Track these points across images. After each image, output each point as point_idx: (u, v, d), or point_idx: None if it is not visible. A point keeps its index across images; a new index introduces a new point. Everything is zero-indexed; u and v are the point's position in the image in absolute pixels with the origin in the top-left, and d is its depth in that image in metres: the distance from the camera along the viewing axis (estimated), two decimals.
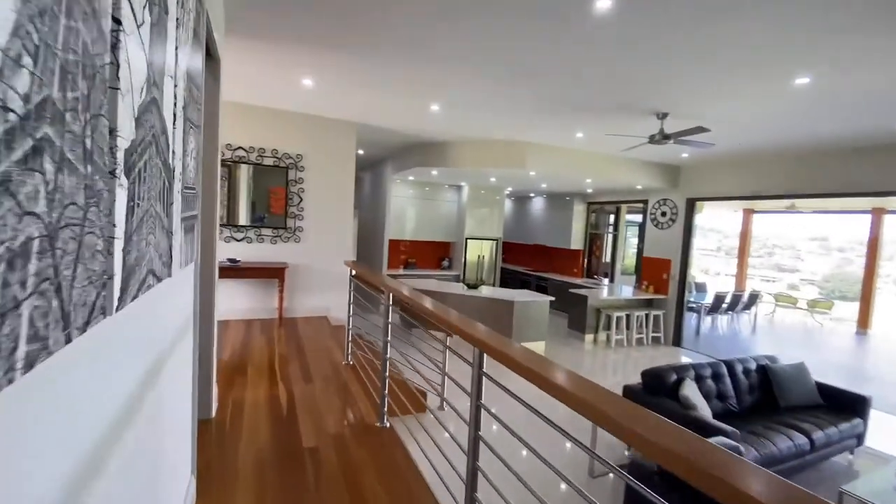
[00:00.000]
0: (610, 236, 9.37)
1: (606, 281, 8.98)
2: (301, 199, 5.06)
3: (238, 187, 4.85)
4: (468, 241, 8.47)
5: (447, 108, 4.45)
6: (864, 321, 9.22)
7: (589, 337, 6.83)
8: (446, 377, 2.25)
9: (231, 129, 4.71)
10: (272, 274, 4.74)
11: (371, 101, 4.39)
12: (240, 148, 4.79)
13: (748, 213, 10.92)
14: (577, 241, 8.99)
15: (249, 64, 3.52)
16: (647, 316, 6.97)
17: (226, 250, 4.77)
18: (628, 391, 3.45)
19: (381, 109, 4.65)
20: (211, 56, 2.21)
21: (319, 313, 5.26)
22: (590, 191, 8.28)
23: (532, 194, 9.83)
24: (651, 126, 4.35)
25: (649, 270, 7.43)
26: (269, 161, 4.91)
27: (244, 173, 4.85)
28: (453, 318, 1.91)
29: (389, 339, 2.58)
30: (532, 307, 5.98)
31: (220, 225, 4.74)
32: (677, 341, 7.01)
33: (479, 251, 8.61)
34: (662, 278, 7.20)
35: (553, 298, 6.16)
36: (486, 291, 6.27)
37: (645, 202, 7.66)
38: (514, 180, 7.37)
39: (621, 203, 8.56)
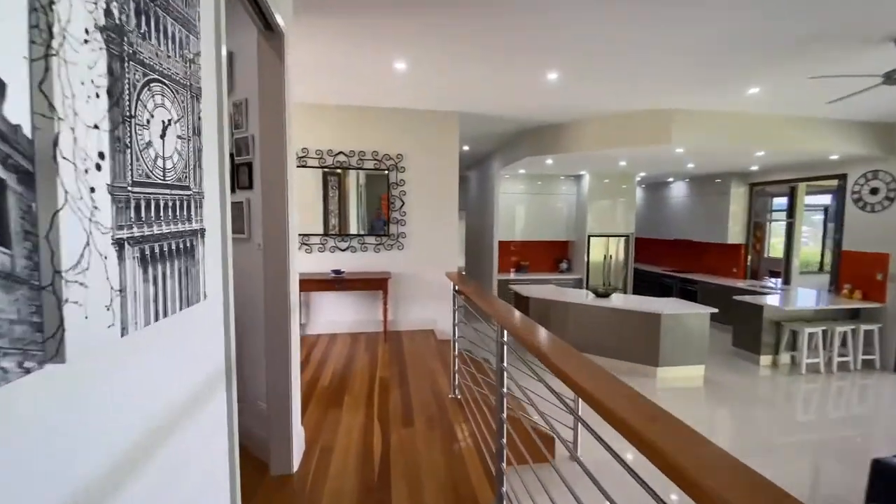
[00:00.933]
0: (777, 225, 7.35)
1: (777, 283, 7.04)
2: (403, 203, 4.65)
3: (347, 195, 4.62)
4: (591, 238, 7.34)
5: (567, 78, 3.58)
6: None
7: (765, 359, 5.24)
8: (579, 423, 1.45)
9: (327, 132, 4.50)
10: (376, 285, 4.39)
11: (473, 82, 3.73)
12: (340, 153, 4.55)
13: None
14: (735, 234, 7.19)
15: (332, 47, 3.12)
16: (853, 331, 5.11)
17: (331, 261, 4.58)
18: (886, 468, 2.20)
19: (486, 91, 3.97)
20: (269, 26, 1.76)
21: (425, 326, 4.79)
22: (754, 168, 6.51)
23: (671, 178, 8.23)
24: (885, 58, 2.91)
25: (852, 269, 5.48)
26: (369, 164, 4.59)
27: (353, 180, 4.60)
28: (581, 374, 1.14)
29: (506, 379, 1.88)
30: (686, 321, 4.72)
31: (327, 235, 4.57)
32: None
33: (605, 250, 7.41)
34: (875, 279, 5.23)
35: (715, 310, 4.80)
36: (618, 300, 5.17)
37: (841, 177, 5.69)
38: (652, 162, 6.07)
39: (797, 181, 6.57)
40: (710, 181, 7.47)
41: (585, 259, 7.35)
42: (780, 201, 7.37)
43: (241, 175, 2.24)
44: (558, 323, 5.31)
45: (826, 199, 7.74)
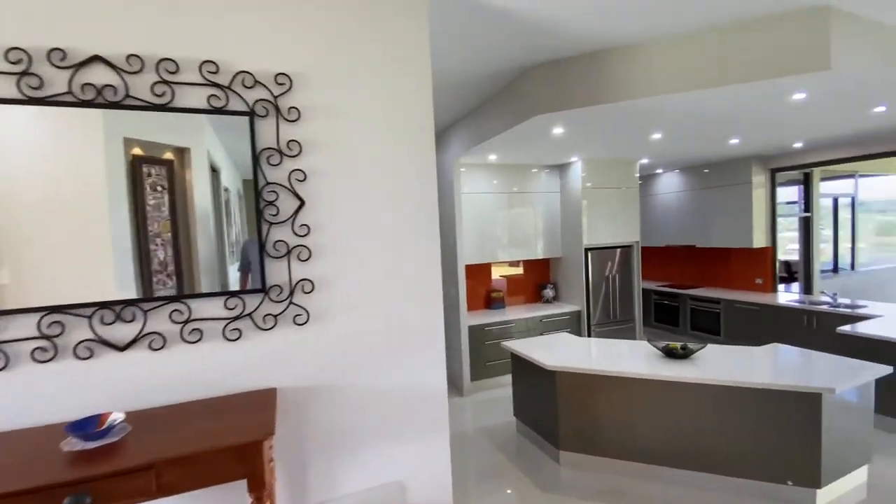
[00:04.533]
0: (788, 220, 5.93)
1: (833, 295, 5.54)
2: (302, 205, 1.79)
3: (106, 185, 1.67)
4: (590, 253, 5.16)
5: None
6: None
7: None
8: None
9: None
10: (228, 462, 1.52)
11: None
12: (93, 62, 1.61)
13: None
14: (760, 235, 5.54)
15: None
16: None
17: (77, 395, 1.62)
18: None
19: None
20: None
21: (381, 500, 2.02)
22: (798, 144, 4.84)
23: (659, 170, 6.46)
24: None
25: None
26: (193, 94, 1.67)
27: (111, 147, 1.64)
28: None
29: None
30: (855, 405, 2.62)
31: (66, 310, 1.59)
32: None
33: (606, 267, 5.28)
34: None
35: (892, 368, 2.76)
36: (708, 365, 2.92)
37: None
38: (767, 122, 4.00)
39: (814, 166, 5.08)
40: (720, 167, 5.76)
41: (584, 282, 5.13)
42: (787, 192, 5.95)
43: None
44: (611, 412, 2.92)
45: (838, 186, 6.56)
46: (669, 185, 6.48)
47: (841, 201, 6.65)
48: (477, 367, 4.69)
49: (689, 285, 6.36)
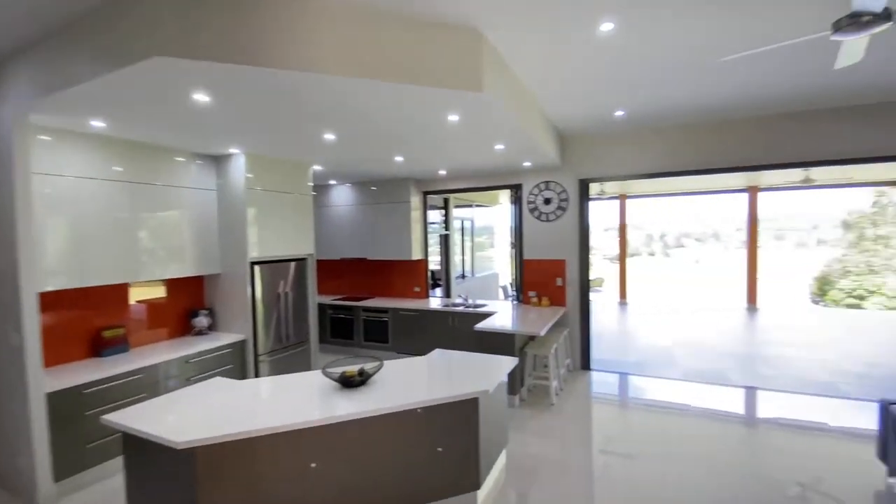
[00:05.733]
0: (433, 237, 7.10)
1: (467, 298, 6.68)
2: None
3: None
4: (257, 267, 4.28)
5: None
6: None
7: (523, 393, 4.28)
8: None
9: None
10: None
11: None
12: None
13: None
14: (417, 248, 6.19)
15: None
16: (564, 339, 5.05)
17: None
18: None
19: None
20: None
21: None
22: (443, 172, 5.64)
23: (333, 181, 6.31)
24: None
25: (535, 276, 5.54)
26: None
27: None
28: None
29: None
30: (498, 398, 2.92)
31: None
32: (586, 363, 5.43)
33: (278, 284, 4.54)
34: (555, 285, 5.44)
35: (516, 360, 3.23)
36: (387, 385, 2.69)
37: (516, 187, 5.70)
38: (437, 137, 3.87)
39: (475, 190, 6.27)
40: (386, 186, 6.13)
41: (251, 303, 4.20)
42: (432, 214, 7.09)
43: None
44: (282, 481, 2.20)
45: (464, 213, 8.26)
46: (342, 197, 6.43)
47: (465, 224, 8.49)
48: (68, 456, 2.92)
49: (361, 297, 6.47)
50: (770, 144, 4.42)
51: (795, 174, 7.12)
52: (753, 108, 4.17)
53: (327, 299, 6.39)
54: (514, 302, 5.78)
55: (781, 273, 17.91)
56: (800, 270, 17.05)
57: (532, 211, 5.53)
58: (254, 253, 4.21)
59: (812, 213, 24.19)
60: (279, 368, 4.46)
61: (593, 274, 5.84)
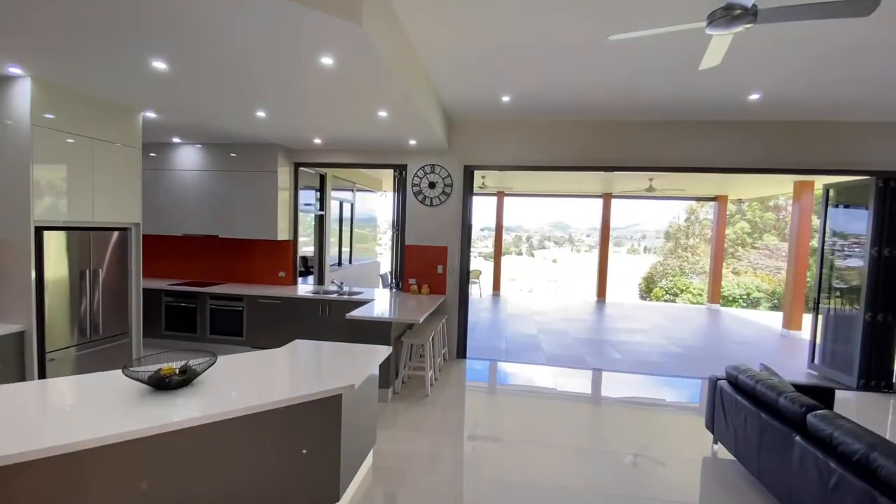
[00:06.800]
0: (306, 220, 6.42)
1: (342, 285, 6.09)
2: None
3: None
4: (48, 235, 3.16)
5: None
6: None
7: (397, 385, 3.94)
8: None
9: None
10: None
11: None
12: None
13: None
14: (285, 227, 5.41)
15: None
16: (442, 327, 4.86)
17: None
18: None
19: None
20: None
21: None
22: (318, 140, 4.99)
23: (176, 138, 5.15)
24: None
25: (416, 263, 5.28)
26: None
27: None
28: None
29: None
30: (365, 393, 2.54)
31: None
32: (462, 351, 5.35)
33: (84, 258, 3.45)
34: (436, 273, 5.25)
35: (390, 348, 2.86)
36: (221, 385, 2.11)
37: (401, 168, 5.34)
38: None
39: (358, 166, 5.68)
40: (248, 152, 5.23)
41: (36, 282, 3.09)
42: (306, 195, 6.37)
43: None
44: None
45: (343, 195, 7.58)
46: (189, 160, 5.31)
47: (345, 206, 7.84)
48: None
49: (210, 282, 5.44)
50: (627, 148, 4.85)
51: (643, 182, 8.15)
52: (625, 111, 4.50)
53: (163, 284, 5.22)
54: (394, 290, 5.44)
55: (619, 274, 20.95)
56: (632, 272, 20.13)
57: (416, 194, 5.24)
58: (43, 215, 3.10)
59: (643, 224, 29.21)
60: (84, 367, 3.40)
61: (471, 266, 5.81)
